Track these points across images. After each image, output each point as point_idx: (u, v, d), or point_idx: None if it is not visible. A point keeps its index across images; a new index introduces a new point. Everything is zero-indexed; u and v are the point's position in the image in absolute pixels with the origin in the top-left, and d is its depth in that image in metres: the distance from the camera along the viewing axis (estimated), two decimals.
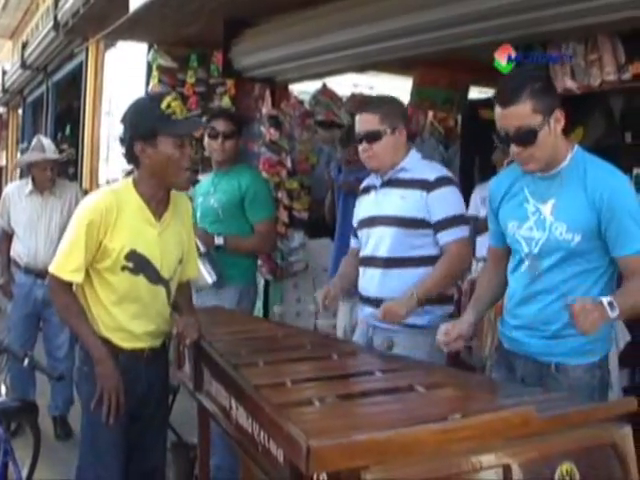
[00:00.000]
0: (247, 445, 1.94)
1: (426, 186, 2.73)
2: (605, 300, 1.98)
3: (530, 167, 2.21)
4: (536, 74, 2.35)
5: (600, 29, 3.13)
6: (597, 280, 2.17)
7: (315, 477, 1.50)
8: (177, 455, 3.31)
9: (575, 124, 4.43)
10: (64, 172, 7.03)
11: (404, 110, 3.00)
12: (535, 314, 2.25)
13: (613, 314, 1.97)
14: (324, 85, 5.60)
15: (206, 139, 3.78)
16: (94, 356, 2.38)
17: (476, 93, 6.09)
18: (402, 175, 2.81)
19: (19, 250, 4.40)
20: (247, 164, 4.26)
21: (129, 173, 2.72)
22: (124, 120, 2.43)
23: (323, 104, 5.52)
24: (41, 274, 4.08)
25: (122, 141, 2.45)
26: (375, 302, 2.76)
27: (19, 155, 6.97)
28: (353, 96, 5.79)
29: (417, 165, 2.83)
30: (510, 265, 2.37)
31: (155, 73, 5.85)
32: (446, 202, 2.73)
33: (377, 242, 2.81)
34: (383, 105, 2.86)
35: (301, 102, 5.41)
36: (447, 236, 2.72)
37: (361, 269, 2.91)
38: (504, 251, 2.41)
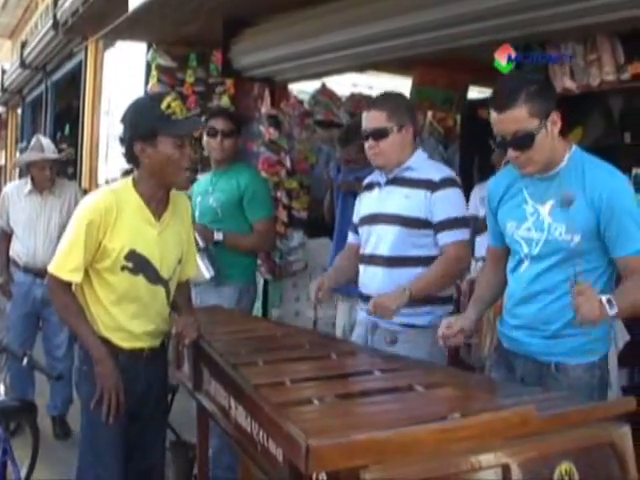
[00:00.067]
0: (246, 444, 1.94)
1: (431, 186, 2.71)
2: (604, 298, 1.97)
3: (528, 170, 2.21)
4: (531, 77, 2.34)
5: (599, 29, 3.13)
6: (596, 280, 2.17)
7: (314, 476, 1.50)
8: (176, 454, 3.30)
9: (574, 124, 4.44)
10: (63, 172, 7.01)
11: (412, 108, 2.95)
12: (535, 314, 2.25)
13: (612, 312, 1.97)
14: (323, 85, 5.61)
15: (205, 138, 3.77)
16: (94, 356, 2.38)
17: (475, 93, 6.08)
18: (407, 174, 2.79)
19: (18, 249, 4.40)
20: (246, 163, 4.25)
21: (127, 172, 2.72)
22: (124, 120, 2.43)
23: (322, 104, 5.52)
24: (40, 273, 4.07)
25: (122, 141, 2.45)
26: None
27: (18, 155, 6.95)
28: (352, 96, 5.79)
29: (423, 165, 2.81)
30: (509, 265, 2.37)
31: (154, 72, 5.85)
32: (449, 203, 2.72)
33: (378, 240, 2.80)
34: (391, 102, 2.82)
35: (300, 102, 5.40)
36: (446, 237, 2.71)
37: (361, 267, 2.89)
38: (503, 251, 2.42)
